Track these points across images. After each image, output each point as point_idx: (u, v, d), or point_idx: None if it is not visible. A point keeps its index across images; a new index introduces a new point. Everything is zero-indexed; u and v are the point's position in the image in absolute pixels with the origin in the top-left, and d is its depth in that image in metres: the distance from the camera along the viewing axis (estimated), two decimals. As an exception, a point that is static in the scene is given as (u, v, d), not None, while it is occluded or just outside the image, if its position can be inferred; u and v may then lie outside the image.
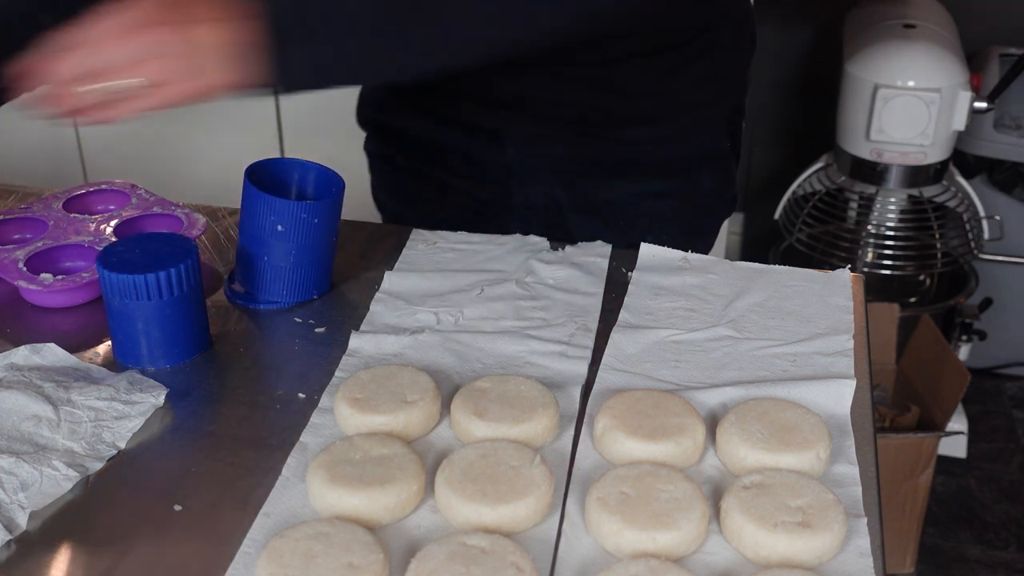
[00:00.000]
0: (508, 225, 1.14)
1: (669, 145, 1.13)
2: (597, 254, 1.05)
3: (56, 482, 0.76)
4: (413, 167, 1.21)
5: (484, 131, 1.13)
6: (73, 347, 0.91)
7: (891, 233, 2.12)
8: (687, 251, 1.04)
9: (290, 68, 0.82)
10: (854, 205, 2.15)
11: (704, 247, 1.22)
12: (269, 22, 0.79)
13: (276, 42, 0.79)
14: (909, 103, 1.95)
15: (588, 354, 0.90)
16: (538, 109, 1.10)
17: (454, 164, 1.17)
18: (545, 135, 1.11)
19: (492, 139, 1.13)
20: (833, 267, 1.04)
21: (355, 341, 0.91)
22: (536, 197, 1.14)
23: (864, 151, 2.04)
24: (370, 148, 1.27)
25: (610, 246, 1.06)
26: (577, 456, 0.78)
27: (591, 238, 1.07)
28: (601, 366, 0.89)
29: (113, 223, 1.06)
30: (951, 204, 2.13)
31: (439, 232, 1.09)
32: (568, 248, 1.06)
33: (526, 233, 1.08)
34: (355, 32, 0.82)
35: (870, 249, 2.13)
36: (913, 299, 2.26)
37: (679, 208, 1.16)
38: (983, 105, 1.97)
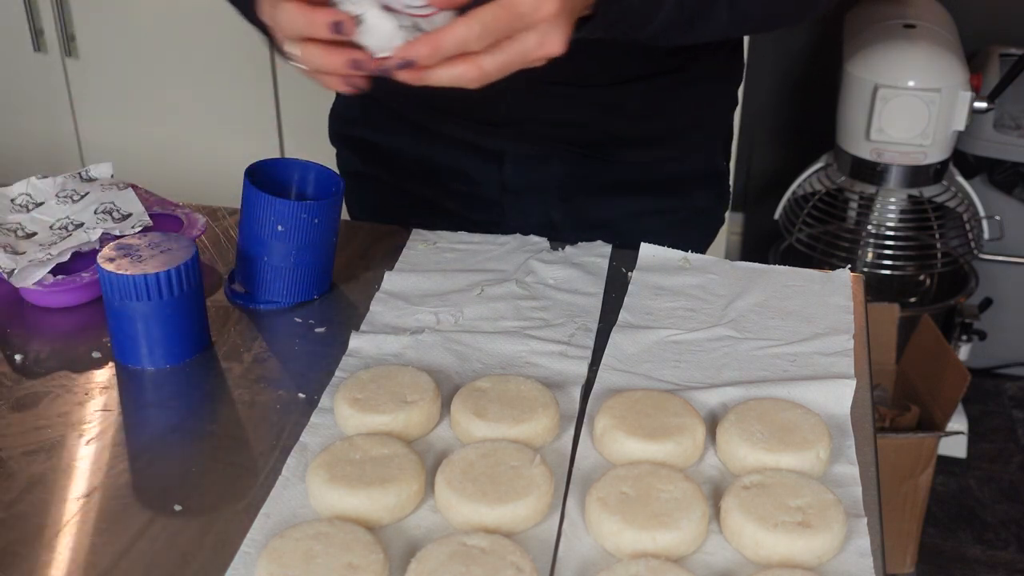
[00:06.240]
0: None
1: (669, 165, 1.14)
2: (597, 254, 1.05)
3: None
4: (401, 187, 1.18)
5: (483, 150, 1.12)
6: (73, 347, 0.91)
7: (891, 233, 2.12)
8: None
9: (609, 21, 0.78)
10: (854, 205, 2.15)
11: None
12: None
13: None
14: (909, 103, 1.95)
15: (588, 354, 0.90)
16: (544, 130, 1.10)
17: (447, 183, 1.15)
18: (547, 155, 1.11)
19: (490, 158, 1.12)
20: (833, 267, 1.04)
21: (355, 341, 0.91)
22: (531, 216, 1.13)
23: (864, 151, 2.04)
24: (349, 167, 1.20)
25: (610, 246, 1.06)
26: (577, 456, 0.78)
27: None
28: (601, 366, 0.89)
29: (113, 223, 1.06)
30: (951, 204, 2.13)
31: (439, 232, 1.09)
32: (568, 248, 1.06)
33: None
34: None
35: (870, 249, 2.13)
36: (913, 299, 2.26)
37: (674, 225, 1.17)
38: (983, 105, 1.97)
